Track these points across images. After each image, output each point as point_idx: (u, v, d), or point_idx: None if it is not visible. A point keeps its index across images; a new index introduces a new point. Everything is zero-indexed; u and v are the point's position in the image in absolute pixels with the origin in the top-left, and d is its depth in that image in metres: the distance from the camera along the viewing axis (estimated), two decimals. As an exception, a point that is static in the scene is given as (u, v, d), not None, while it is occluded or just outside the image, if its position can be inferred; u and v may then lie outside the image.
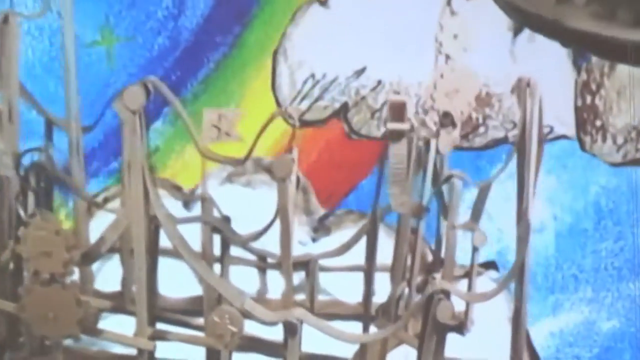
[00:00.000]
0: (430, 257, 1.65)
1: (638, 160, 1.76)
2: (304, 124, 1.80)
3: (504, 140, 1.79)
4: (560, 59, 1.75)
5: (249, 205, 1.75)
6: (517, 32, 1.74)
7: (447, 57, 1.70)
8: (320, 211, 1.79)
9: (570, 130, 1.78)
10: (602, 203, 1.85)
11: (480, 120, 1.78)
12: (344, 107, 1.78)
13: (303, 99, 1.78)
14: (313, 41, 1.76)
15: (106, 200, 1.71)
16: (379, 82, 1.77)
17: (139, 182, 1.47)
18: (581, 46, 1.54)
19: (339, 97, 1.78)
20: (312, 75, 1.77)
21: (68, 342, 1.44)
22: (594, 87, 1.71)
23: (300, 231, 1.77)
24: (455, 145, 1.65)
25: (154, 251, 1.52)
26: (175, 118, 1.81)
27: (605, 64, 1.66)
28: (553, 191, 1.87)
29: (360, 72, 1.76)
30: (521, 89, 1.53)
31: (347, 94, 1.78)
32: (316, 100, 1.77)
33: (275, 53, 1.77)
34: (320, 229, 1.70)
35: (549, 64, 1.73)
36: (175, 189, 1.74)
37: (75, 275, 1.44)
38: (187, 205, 1.71)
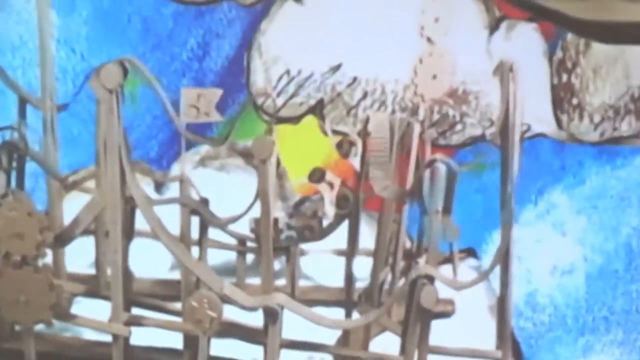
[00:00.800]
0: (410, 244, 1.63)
1: (616, 139, 1.76)
2: (280, 120, 1.78)
3: (481, 138, 1.78)
4: (536, 56, 1.76)
5: (223, 190, 1.72)
6: (492, 30, 1.75)
7: (428, 39, 1.69)
8: (296, 197, 1.76)
9: (549, 128, 1.78)
10: (634, 244, 1.86)
11: (458, 118, 1.77)
12: (320, 104, 1.76)
13: (278, 95, 1.76)
14: (288, 37, 1.75)
15: (82, 180, 1.66)
16: (355, 79, 1.76)
17: (115, 163, 1.43)
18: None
19: (314, 93, 1.76)
20: (287, 72, 1.76)
21: (40, 327, 1.37)
22: (569, 65, 1.72)
23: (276, 217, 1.74)
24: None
25: (129, 234, 1.47)
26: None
27: (581, 41, 1.66)
28: (583, 232, 1.88)
29: (336, 69, 1.75)
30: (504, 72, 1.53)
31: (322, 91, 1.76)
32: (291, 96, 1.75)
33: (249, 49, 1.75)
34: (296, 214, 1.66)
35: (525, 62, 1.73)
36: (148, 171, 1.70)
37: (49, 258, 1.38)
38: (158, 188, 1.67)
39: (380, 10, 1.75)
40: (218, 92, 1.48)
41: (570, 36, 1.69)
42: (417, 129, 1.48)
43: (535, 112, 1.76)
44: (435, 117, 1.76)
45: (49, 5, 1.55)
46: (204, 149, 1.74)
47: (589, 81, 1.73)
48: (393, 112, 1.75)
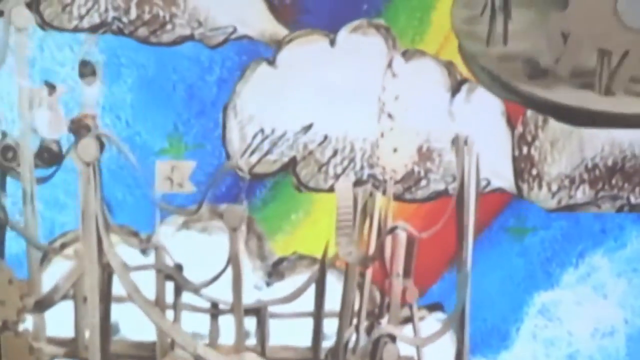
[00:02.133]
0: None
1: (571, 206, 1.85)
2: (254, 176, 1.87)
3: (444, 193, 1.87)
4: (495, 116, 1.84)
5: (205, 251, 1.80)
6: (454, 92, 1.84)
7: (389, 115, 1.78)
8: (274, 256, 1.85)
9: (507, 183, 1.87)
10: (674, 306, 1.91)
11: (422, 174, 1.85)
12: (293, 161, 1.85)
13: (253, 152, 1.84)
14: (262, 98, 1.83)
15: (63, 245, 1.75)
16: (326, 137, 1.84)
17: (92, 231, 1.52)
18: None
19: (287, 151, 1.85)
20: (262, 130, 1.84)
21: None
22: (529, 138, 1.81)
23: (255, 276, 1.82)
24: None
25: (107, 298, 1.56)
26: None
27: (540, 117, 1.76)
28: (624, 295, 1.95)
29: (307, 128, 1.83)
30: (459, 145, 1.62)
31: (295, 149, 1.85)
32: (265, 154, 1.84)
33: (225, 108, 1.83)
34: (274, 273, 1.75)
35: (485, 122, 1.82)
36: (132, 235, 1.78)
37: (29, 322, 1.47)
38: (144, 252, 1.75)
39: (349, 73, 1.83)
40: (191, 165, 1.57)
41: (529, 111, 1.79)
42: (378, 198, 1.56)
43: (494, 168, 1.85)
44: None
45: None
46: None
47: (547, 153, 1.82)
48: (362, 168, 1.83)
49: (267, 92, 1.86)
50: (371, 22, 1.88)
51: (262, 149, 1.86)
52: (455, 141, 1.63)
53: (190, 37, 1.85)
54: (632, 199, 1.86)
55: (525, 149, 1.83)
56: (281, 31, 1.86)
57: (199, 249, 1.80)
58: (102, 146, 1.59)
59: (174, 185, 1.57)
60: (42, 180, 1.68)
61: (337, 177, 1.88)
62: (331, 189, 1.88)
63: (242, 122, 1.86)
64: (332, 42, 1.88)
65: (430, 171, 1.87)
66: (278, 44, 1.83)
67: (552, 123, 1.77)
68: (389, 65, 1.81)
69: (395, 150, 1.78)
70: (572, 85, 1.51)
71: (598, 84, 1.61)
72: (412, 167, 1.86)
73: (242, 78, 1.86)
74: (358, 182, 1.88)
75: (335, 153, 1.87)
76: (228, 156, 1.88)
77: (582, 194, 1.86)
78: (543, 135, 1.83)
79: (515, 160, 1.82)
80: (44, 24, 1.83)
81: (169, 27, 1.84)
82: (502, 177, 1.87)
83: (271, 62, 1.87)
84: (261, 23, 1.86)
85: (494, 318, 1.88)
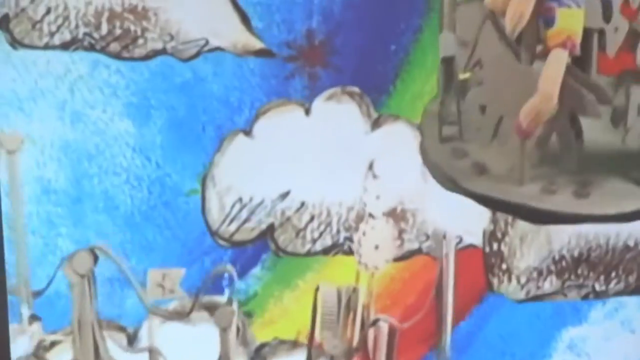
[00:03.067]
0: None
1: (539, 296, 1.96)
2: (234, 244, 1.93)
3: (418, 251, 1.96)
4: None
5: (191, 344, 1.88)
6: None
7: (370, 215, 1.85)
8: (257, 342, 1.93)
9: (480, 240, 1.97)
10: None
11: (396, 234, 1.94)
12: (271, 228, 1.91)
13: (232, 221, 1.90)
14: (239, 168, 1.88)
15: (53, 344, 1.81)
16: (303, 204, 1.90)
17: (89, 340, 1.58)
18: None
19: (265, 218, 1.91)
20: (240, 199, 1.89)
21: None
22: (499, 235, 1.90)
23: (238, 363, 1.91)
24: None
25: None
26: (274, 264, 1.91)
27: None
28: None
29: (284, 195, 1.89)
30: (437, 239, 1.70)
31: (273, 216, 1.91)
32: (244, 222, 1.90)
33: (204, 179, 1.88)
34: (257, 358, 1.84)
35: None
36: (120, 330, 1.85)
37: None
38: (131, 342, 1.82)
39: (324, 140, 1.89)
40: (181, 272, 1.63)
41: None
42: (362, 294, 1.65)
43: (467, 227, 1.94)
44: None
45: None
46: (173, 302, 1.88)
47: (516, 248, 1.92)
48: (338, 231, 1.91)
49: (244, 162, 1.91)
50: (345, 89, 1.92)
51: (240, 217, 1.92)
52: (433, 235, 1.71)
53: (163, 51, 1.86)
54: (597, 287, 1.98)
55: (495, 245, 1.92)
56: (253, 42, 1.87)
57: (185, 341, 1.87)
58: (95, 258, 1.63)
59: (165, 292, 1.63)
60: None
61: (314, 241, 1.94)
62: (309, 254, 1.96)
63: (221, 192, 1.91)
64: (307, 111, 1.91)
65: (405, 231, 1.95)
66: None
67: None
68: (370, 167, 1.86)
69: (376, 247, 1.86)
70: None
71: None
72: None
73: (219, 149, 1.90)
74: (335, 246, 1.95)
75: (312, 218, 1.94)
76: (207, 226, 1.93)
77: (549, 284, 1.97)
78: (512, 232, 1.92)
79: (485, 257, 1.91)
80: (14, 42, 1.82)
81: (140, 41, 1.86)
82: (475, 234, 1.97)
83: (248, 133, 1.90)
84: (233, 34, 1.88)
85: (523, 353, 1.99)
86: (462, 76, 1.47)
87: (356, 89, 1.90)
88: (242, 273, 1.94)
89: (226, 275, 1.83)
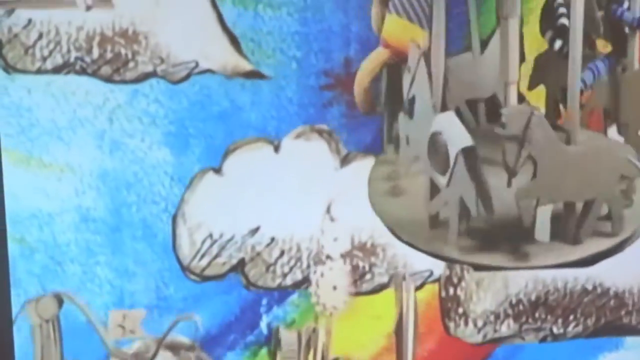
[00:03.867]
0: None
1: (496, 339, 1.98)
2: (204, 278, 1.97)
3: (387, 285, 1.99)
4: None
5: None
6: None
7: (328, 256, 1.88)
8: None
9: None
10: None
11: (367, 268, 1.96)
12: (241, 263, 1.94)
13: (202, 257, 1.93)
14: (209, 205, 1.91)
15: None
16: (273, 239, 1.93)
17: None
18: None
19: (236, 254, 1.94)
20: (210, 235, 1.93)
21: None
22: (455, 280, 1.92)
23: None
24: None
25: None
26: (307, 294, 1.94)
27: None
28: None
29: (254, 231, 1.92)
30: (397, 281, 1.73)
31: (243, 251, 1.94)
32: (215, 257, 1.93)
33: (174, 217, 1.91)
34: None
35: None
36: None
37: None
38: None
39: (293, 177, 1.91)
40: (142, 313, 1.67)
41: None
42: (321, 334, 1.68)
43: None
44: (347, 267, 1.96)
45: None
46: (137, 344, 1.92)
47: (472, 293, 1.94)
48: (308, 266, 1.94)
49: (214, 199, 1.94)
50: (314, 127, 1.94)
51: (211, 252, 1.95)
52: (394, 277, 1.73)
53: (153, 74, 1.90)
54: (555, 330, 1.99)
55: (451, 290, 1.94)
56: (243, 64, 1.90)
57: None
58: (60, 302, 1.68)
59: (125, 332, 1.67)
60: None
61: (284, 275, 1.97)
62: (279, 287, 1.99)
63: (192, 229, 1.94)
64: (277, 148, 1.94)
65: (375, 265, 1.97)
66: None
67: (478, 264, 1.87)
68: (328, 210, 1.89)
69: (334, 287, 1.88)
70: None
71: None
72: (357, 263, 1.97)
73: (189, 187, 1.93)
74: (305, 280, 1.98)
75: (282, 253, 1.97)
76: (179, 262, 1.96)
77: (506, 327, 1.99)
78: (469, 277, 1.94)
79: (442, 301, 1.94)
80: (8, 67, 1.87)
81: (131, 64, 1.89)
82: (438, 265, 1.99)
83: (217, 171, 1.93)
84: (223, 57, 1.91)
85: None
86: None
87: (325, 127, 1.92)
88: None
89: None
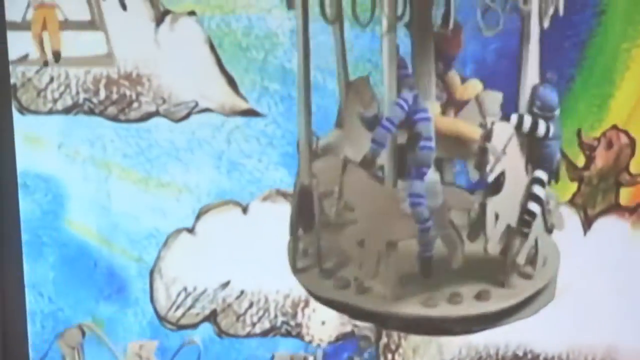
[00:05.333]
0: None
1: None
2: (180, 327, 2.15)
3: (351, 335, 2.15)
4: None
5: None
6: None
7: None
8: None
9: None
10: None
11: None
12: (213, 313, 2.12)
13: (178, 308, 2.11)
14: (184, 261, 2.08)
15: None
16: (242, 292, 2.11)
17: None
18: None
19: (208, 305, 2.12)
20: (185, 289, 2.10)
21: None
22: (393, 347, 2.08)
23: None
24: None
25: None
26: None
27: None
28: None
29: (225, 285, 2.10)
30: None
31: (215, 303, 2.12)
32: (189, 308, 2.11)
33: (152, 272, 2.09)
34: None
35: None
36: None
37: None
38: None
39: (260, 236, 2.08)
40: (155, 343, 1.87)
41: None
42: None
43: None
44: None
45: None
46: None
47: (409, 359, 2.10)
48: (275, 316, 2.12)
49: (188, 256, 2.11)
50: (280, 190, 2.10)
51: (185, 304, 2.13)
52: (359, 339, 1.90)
53: (156, 113, 2.05)
54: None
55: (390, 357, 2.10)
56: (240, 103, 2.05)
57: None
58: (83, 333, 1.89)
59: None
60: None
61: (253, 325, 2.15)
62: (249, 335, 2.17)
63: (167, 283, 2.12)
64: (245, 210, 2.11)
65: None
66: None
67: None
68: None
69: (323, 323, 2.06)
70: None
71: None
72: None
73: (165, 245, 2.11)
74: (273, 328, 2.16)
75: (251, 305, 2.14)
76: (156, 313, 2.14)
77: None
78: (405, 344, 2.10)
79: None
80: (22, 108, 2.04)
81: (135, 104, 2.05)
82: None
83: (190, 231, 2.10)
84: (221, 97, 2.06)
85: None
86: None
87: (289, 191, 2.07)
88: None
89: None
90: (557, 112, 1.47)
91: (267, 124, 1.96)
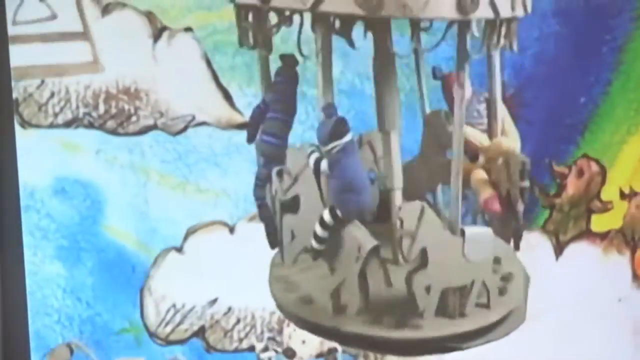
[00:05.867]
0: None
1: None
2: (169, 342, 2.23)
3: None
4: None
5: None
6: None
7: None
8: None
9: None
10: None
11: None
12: (202, 329, 2.20)
13: (167, 324, 2.19)
14: (173, 279, 2.15)
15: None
16: (230, 309, 2.18)
17: None
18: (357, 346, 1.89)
19: (196, 321, 2.19)
20: (174, 305, 2.18)
21: None
22: None
23: None
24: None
25: None
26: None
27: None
28: None
29: (213, 302, 2.17)
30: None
31: (203, 319, 2.19)
32: (178, 324, 2.19)
33: (141, 290, 2.16)
34: None
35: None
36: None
37: None
38: None
39: (246, 255, 2.15)
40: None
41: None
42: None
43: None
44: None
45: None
46: None
47: None
48: (262, 332, 2.19)
49: (176, 274, 2.18)
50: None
51: (175, 320, 2.20)
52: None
53: (154, 127, 2.12)
54: None
55: None
56: (235, 117, 2.11)
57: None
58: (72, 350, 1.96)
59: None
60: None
61: (240, 340, 2.22)
62: (235, 350, 2.24)
63: (157, 300, 2.19)
64: (232, 230, 2.18)
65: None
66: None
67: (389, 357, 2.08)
68: None
69: (303, 342, 2.13)
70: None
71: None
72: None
73: (154, 264, 2.18)
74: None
75: (238, 321, 2.22)
76: (146, 328, 2.22)
77: None
78: None
79: None
80: (24, 123, 2.10)
81: (134, 118, 2.12)
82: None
83: (179, 250, 2.17)
84: (217, 110, 2.13)
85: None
86: None
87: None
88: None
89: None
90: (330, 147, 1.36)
91: (305, 130, 2.00)
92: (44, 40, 2.06)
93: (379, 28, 1.39)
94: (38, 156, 2.06)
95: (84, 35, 2.07)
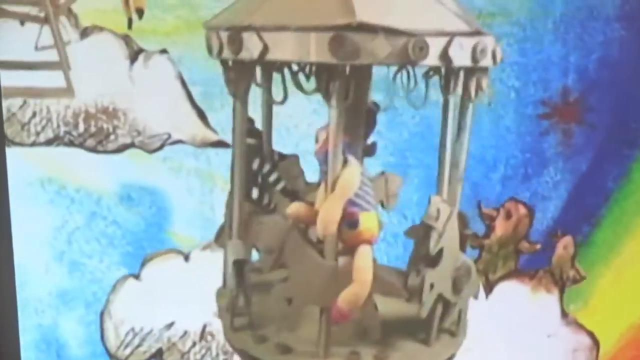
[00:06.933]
0: None
1: None
2: (128, 364, 2.33)
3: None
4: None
5: None
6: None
7: None
8: None
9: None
10: None
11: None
12: (159, 351, 2.30)
13: (126, 347, 2.29)
14: (131, 304, 2.26)
15: None
16: (186, 332, 2.29)
17: None
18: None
19: (154, 344, 2.30)
20: (132, 329, 2.28)
21: None
22: None
23: None
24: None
25: None
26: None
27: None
28: None
29: (170, 325, 2.27)
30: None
31: (161, 342, 2.30)
32: (137, 347, 2.29)
33: (102, 314, 2.27)
34: None
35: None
36: None
37: None
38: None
39: (200, 281, 2.24)
40: None
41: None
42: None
43: None
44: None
45: None
46: None
47: None
48: (217, 355, 2.29)
49: (135, 300, 2.29)
50: (218, 241, 2.26)
51: (133, 343, 2.31)
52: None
53: (132, 145, 2.21)
54: None
55: None
56: (210, 135, 2.21)
57: None
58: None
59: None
60: None
61: (198, 362, 2.33)
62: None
63: (116, 324, 2.30)
64: (187, 258, 2.28)
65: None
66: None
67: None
68: None
69: None
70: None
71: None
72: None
73: (113, 290, 2.28)
74: (215, 365, 2.34)
75: (194, 344, 2.32)
76: (107, 350, 2.33)
77: None
78: None
79: None
80: (8, 141, 2.19)
81: (112, 137, 2.21)
82: None
83: (137, 277, 2.28)
84: (192, 129, 2.22)
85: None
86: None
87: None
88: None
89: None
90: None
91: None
92: (24, 67, 2.15)
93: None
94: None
95: (59, 64, 2.15)
